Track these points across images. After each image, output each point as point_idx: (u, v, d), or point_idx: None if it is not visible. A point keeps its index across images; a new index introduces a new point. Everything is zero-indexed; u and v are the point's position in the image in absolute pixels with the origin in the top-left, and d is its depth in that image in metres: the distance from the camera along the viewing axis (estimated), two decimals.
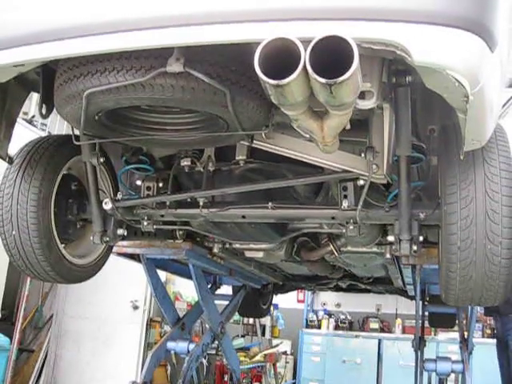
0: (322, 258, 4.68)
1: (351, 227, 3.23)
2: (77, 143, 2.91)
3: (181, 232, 4.23)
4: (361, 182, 3.01)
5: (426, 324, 7.93)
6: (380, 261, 4.88)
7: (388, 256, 4.23)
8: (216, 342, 5.94)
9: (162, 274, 6.32)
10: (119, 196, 3.45)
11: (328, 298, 13.81)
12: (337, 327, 13.35)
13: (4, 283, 8.58)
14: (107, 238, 3.53)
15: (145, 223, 3.57)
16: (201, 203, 3.39)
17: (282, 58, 1.75)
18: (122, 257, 4.93)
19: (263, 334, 12.75)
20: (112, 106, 2.42)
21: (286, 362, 12.76)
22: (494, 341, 6.90)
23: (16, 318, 8.78)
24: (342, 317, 13.45)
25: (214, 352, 9.70)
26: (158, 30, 1.98)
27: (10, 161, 3.15)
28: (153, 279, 5.11)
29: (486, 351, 8.61)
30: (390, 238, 3.25)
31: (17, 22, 2.21)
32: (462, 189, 2.57)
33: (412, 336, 6.68)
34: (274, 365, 11.28)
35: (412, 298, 6.68)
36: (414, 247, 3.05)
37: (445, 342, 11.33)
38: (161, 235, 4.37)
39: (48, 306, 10.11)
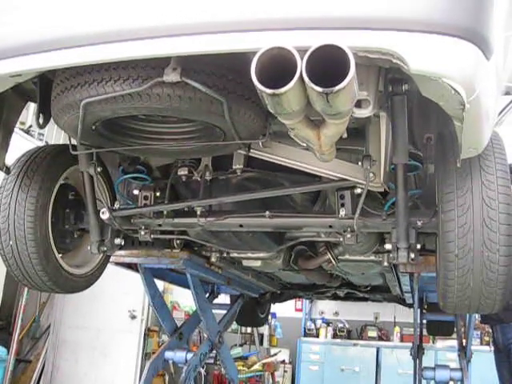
0: (319, 267, 4.67)
1: (349, 236, 3.22)
2: (74, 153, 2.90)
3: (178, 241, 4.22)
4: (358, 191, 3.01)
5: (425, 332, 7.93)
6: (378, 269, 4.88)
7: (386, 264, 4.22)
8: (214, 352, 5.92)
9: (160, 284, 6.31)
10: (116, 205, 3.44)
11: (326, 307, 13.79)
12: (335, 336, 13.32)
13: (1, 293, 8.56)
14: (105, 248, 3.53)
15: (142, 233, 3.57)
16: (198, 212, 3.38)
17: (278, 67, 1.76)
18: (119, 266, 4.93)
19: (261, 343, 12.74)
20: (109, 115, 2.42)
21: (285, 371, 12.72)
22: (493, 348, 6.89)
23: (13, 328, 8.77)
24: (340, 325, 13.43)
25: (212, 361, 9.64)
26: (154, 40, 1.98)
27: (7, 171, 3.15)
28: (150, 289, 5.10)
29: (484, 359, 8.61)
30: (388, 246, 3.24)
31: (13, 32, 2.22)
32: (459, 196, 2.56)
33: (410, 344, 6.68)
34: (273, 374, 11.26)
35: (410, 305, 6.70)
36: (412, 255, 3.05)
37: (443, 350, 11.34)
38: (158, 245, 4.37)
39: (45, 316, 10.09)
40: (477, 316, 7.28)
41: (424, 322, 7.35)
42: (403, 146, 2.60)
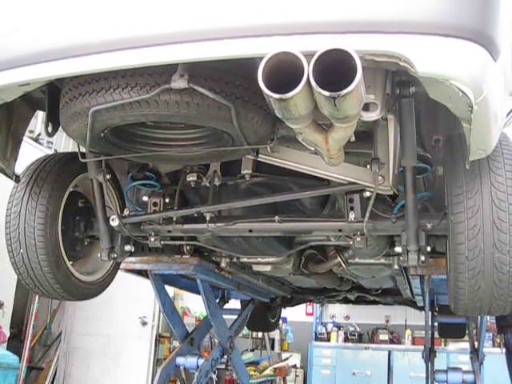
0: (329, 271, 4.67)
1: (358, 239, 3.22)
2: (83, 160, 2.91)
3: (188, 247, 4.23)
4: (367, 194, 3.00)
5: (436, 334, 7.89)
6: (388, 272, 4.87)
7: (396, 267, 4.22)
8: (225, 357, 5.92)
9: (170, 290, 6.32)
10: (126, 212, 3.45)
11: (337, 311, 13.79)
12: (346, 339, 13.32)
13: (12, 301, 8.59)
14: (115, 255, 3.53)
15: (152, 239, 3.57)
16: (207, 218, 3.38)
17: (285, 72, 1.76)
18: (129, 273, 4.93)
19: (272, 347, 12.72)
20: (117, 122, 2.43)
21: (296, 376, 12.71)
22: (504, 350, 6.86)
23: (25, 336, 8.78)
24: (351, 329, 13.43)
25: (223, 367, 9.66)
26: (161, 47, 1.99)
27: (17, 179, 3.16)
28: (161, 295, 5.11)
29: (497, 361, 8.56)
30: (398, 249, 3.23)
31: (21, 41, 2.23)
32: (468, 198, 2.55)
33: (422, 347, 6.64)
34: (284, 378, 11.25)
35: (421, 308, 6.68)
36: (422, 258, 3.04)
37: (455, 353, 11.31)
38: (168, 251, 4.38)
39: (56, 323, 10.10)
40: (488, 318, 7.23)
41: (435, 324, 7.31)
42: (411, 148, 2.59)
